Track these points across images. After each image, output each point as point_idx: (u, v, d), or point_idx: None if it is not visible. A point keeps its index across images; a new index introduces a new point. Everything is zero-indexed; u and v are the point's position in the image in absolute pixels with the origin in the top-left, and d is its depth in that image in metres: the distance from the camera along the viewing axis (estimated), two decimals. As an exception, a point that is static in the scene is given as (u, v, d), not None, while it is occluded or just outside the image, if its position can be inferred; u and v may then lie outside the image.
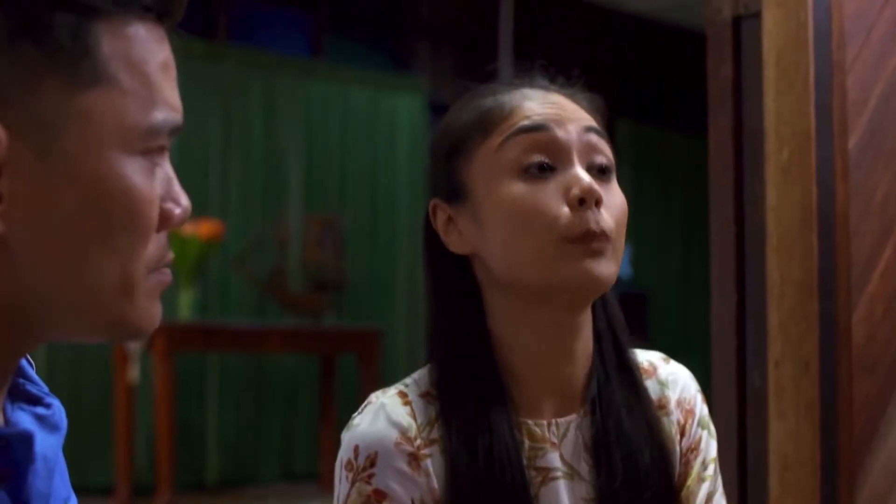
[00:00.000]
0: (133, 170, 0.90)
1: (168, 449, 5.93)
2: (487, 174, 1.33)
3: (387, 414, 1.32)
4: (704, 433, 1.41)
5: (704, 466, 1.40)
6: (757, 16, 2.30)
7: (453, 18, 8.29)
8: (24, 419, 0.97)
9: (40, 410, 0.99)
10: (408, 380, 1.38)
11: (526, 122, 1.32)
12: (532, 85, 1.38)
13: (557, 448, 1.34)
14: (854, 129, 2.25)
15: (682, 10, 8.57)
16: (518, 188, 1.30)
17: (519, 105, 1.34)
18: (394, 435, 1.30)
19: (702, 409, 1.43)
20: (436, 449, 1.31)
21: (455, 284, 1.37)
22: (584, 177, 1.30)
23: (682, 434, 1.40)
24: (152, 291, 0.94)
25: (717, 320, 2.37)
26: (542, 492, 1.32)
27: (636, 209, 9.53)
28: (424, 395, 1.35)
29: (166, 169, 0.94)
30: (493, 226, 1.32)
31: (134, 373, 6.06)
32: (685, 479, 1.38)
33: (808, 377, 2.21)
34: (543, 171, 1.31)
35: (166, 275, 0.96)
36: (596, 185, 1.29)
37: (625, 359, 1.39)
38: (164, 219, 0.93)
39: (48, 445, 0.96)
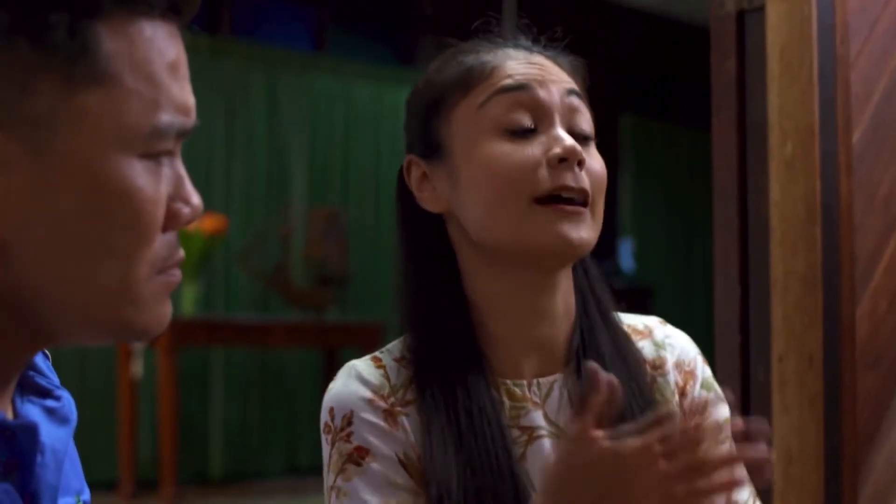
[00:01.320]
0: (135, 170, 0.88)
1: (172, 443, 5.94)
2: (467, 133, 1.31)
3: (358, 373, 1.32)
4: (711, 395, 1.40)
5: (720, 429, 1.38)
6: (760, 10, 2.30)
7: (456, 12, 8.29)
8: (32, 412, 0.96)
9: (50, 403, 0.98)
10: (382, 349, 1.38)
11: (508, 82, 1.31)
12: (515, 45, 1.36)
13: (541, 407, 1.33)
14: (858, 123, 2.24)
15: (686, 4, 8.56)
16: (498, 148, 1.29)
17: (501, 64, 1.32)
18: (366, 393, 1.30)
19: (704, 370, 1.41)
20: (412, 409, 1.30)
21: (428, 244, 1.36)
22: (566, 137, 1.29)
23: (683, 395, 1.38)
24: (159, 292, 0.93)
25: (720, 314, 2.37)
26: (529, 451, 1.31)
27: (640, 203, 9.54)
28: (398, 360, 1.34)
29: (176, 168, 0.93)
30: (470, 185, 1.31)
31: (137, 367, 6.06)
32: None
33: (811, 371, 2.21)
34: (525, 132, 1.29)
35: (174, 275, 0.94)
36: (578, 146, 1.28)
37: (608, 317, 1.38)
38: (172, 218, 0.93)
39: (57, 438, 0.96)
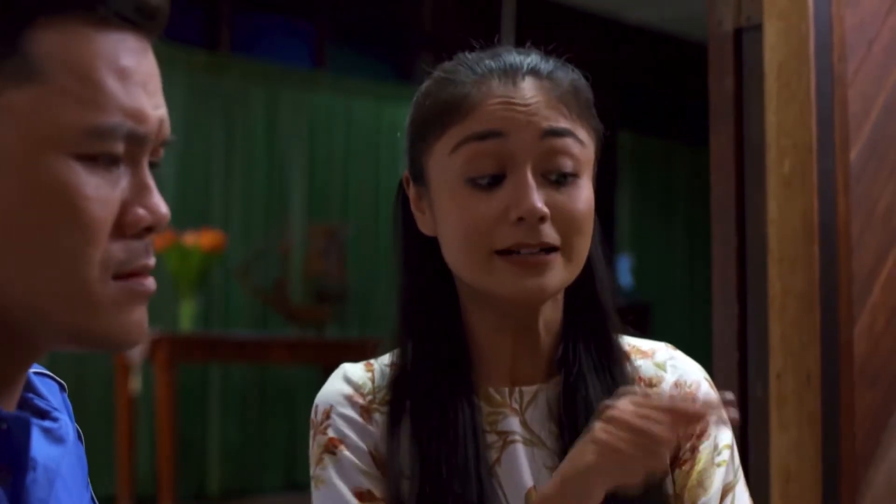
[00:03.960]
0: (70, 169, 0.89)
1: (170, 459, 5.93)
2: (441, 174, 1.32)
3: (344, 373, 1.38)
4: (713, 418, 1.36)
5: (718, 452, 1.37)
6: (758, 28, 2.31)
7: (455, 29, 8.30)
8: None
9: (47, 423, 0.99)
10: (382, 355, 1.41)
11: (478, 129, 1.29)
12: (502, 70, 1.32)
13: (518, 414, 1.34)
14: (856, 141, 2.25)
15: (685, 21, 8.58)
16: (462, 198, 1.30)
17: (479, 104, 1.30)
18: (346, 389, 1.36)
19: (707, 394, 1.39)
20: (389, 410, 1.34)
21: (425, 253, 1.37)
22: (528, 196, 1.27)
23: None
24: (120, 299, 0.92)
25: (718, 332, 2.36)
26: (504, 455, 1.33)
27: (638, 220, 9.53)
28: (390, 365, 1.38)
29: (139, 177, 0.93)
30: (442, 227, 1.33)
31: (136, 383, 6.05)
32: (693, 464, 1.36)
33: (809, 389, 2.21)
34: (491, 182, 1.29)
35: (140, 284, 0.93)
36: (539, 203, 1.27)
37: (598, 328, 1.37)
38: (130, 223, 0.92)
39: (50, 456, 0.96)
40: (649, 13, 8.89)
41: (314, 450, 1.35)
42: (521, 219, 1.27)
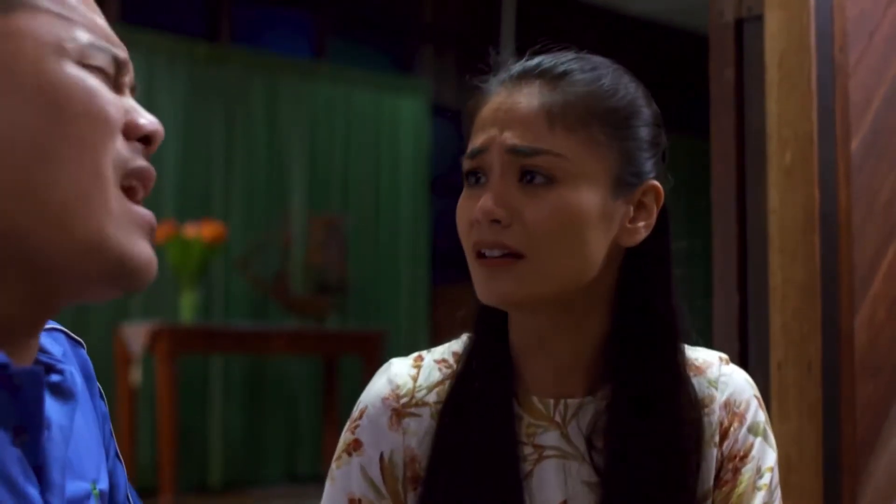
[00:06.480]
0: (80, 71, 0.94)
1: (171, 451, 5.94)
2: None
3: (388, 371, 1.39)
4: (758, 440, 1.36)
5: (760, 475, 1.35)
6: (759, 18, 2.30)
7: (456, 21, 8.29)
8: None
9: (53, 378, 0.98)
10: (435, 348, 1.42)
11: (470, 150, 1.32)
12: (514, 76, 1.32)
13: (560, 427, 1.32)
14: (857, 131, 2.25)
15: (686, 12, 8.57)
16: (461, 197, 1.34)
17: (480, 115, 1.33)
18: (384, 391, 1.37)
19: (756, 415, 1.37)
20: (426, 411, 1.35)
21: None
22: (485, 200, 1.27)
23: (724, 437, 1.35)
24: (126, 218, 0.94)
25: (719, 322, 2.37)
26: (537, 469, 1.32)
27: (639, 211, 9.50)
28: (439, 362, 1.38)
29: (128, 101, 0.97)
30: None
31: (136, 375, 6.06)
32: (733, 486, 1.34)
33: (810, 379, 2.21)
34: (478, 181, 1.31)
35: (140, 210, 0.96)
36: (490, 205, 1.26)
37: (650, 344, 1.35)
38: (131, 128, 0.96)
39: (63, 413, 0.96)
40: (650, 4, 8.88)
41: (340, 443, 1.37)
42: (477, 220, 1.28)
